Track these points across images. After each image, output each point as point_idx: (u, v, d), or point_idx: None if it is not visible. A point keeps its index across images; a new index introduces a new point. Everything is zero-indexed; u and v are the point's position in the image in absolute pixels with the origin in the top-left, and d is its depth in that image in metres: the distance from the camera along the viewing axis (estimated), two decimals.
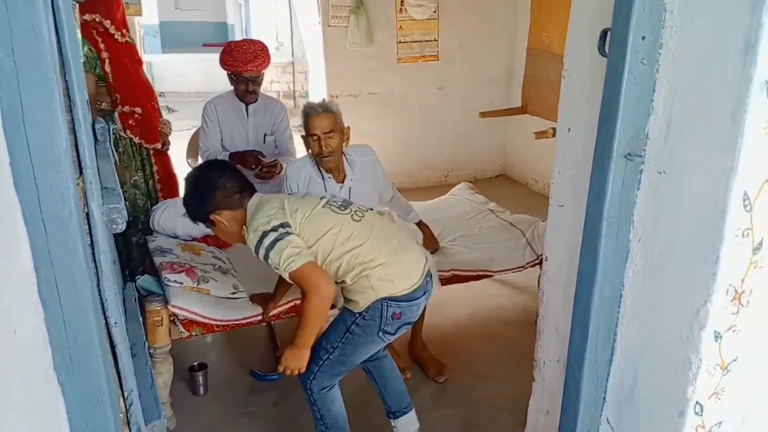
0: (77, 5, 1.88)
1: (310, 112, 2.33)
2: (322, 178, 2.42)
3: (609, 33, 1.26)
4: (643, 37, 1.18)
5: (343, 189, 2.44)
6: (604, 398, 1.43)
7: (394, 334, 1.86)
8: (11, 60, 0.79)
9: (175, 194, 2.97)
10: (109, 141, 1.73)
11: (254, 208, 1.83)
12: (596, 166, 1.31)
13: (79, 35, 1.50)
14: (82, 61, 1.25)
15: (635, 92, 1.21)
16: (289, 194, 1.96)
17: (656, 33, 1.18)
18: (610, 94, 1.25)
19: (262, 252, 1.74)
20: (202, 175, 1.91)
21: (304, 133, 2.39)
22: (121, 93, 2.66)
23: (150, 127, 2.80)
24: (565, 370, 1.48)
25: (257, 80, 2.99)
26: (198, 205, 1.86)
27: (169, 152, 2.99)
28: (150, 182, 2.89)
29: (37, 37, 0.80)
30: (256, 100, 3.09)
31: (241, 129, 3.10)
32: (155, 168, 2.88)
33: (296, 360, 1.81)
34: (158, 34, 12.89)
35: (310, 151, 2.39)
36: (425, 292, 1.88)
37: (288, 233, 1.73)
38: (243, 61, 2.90)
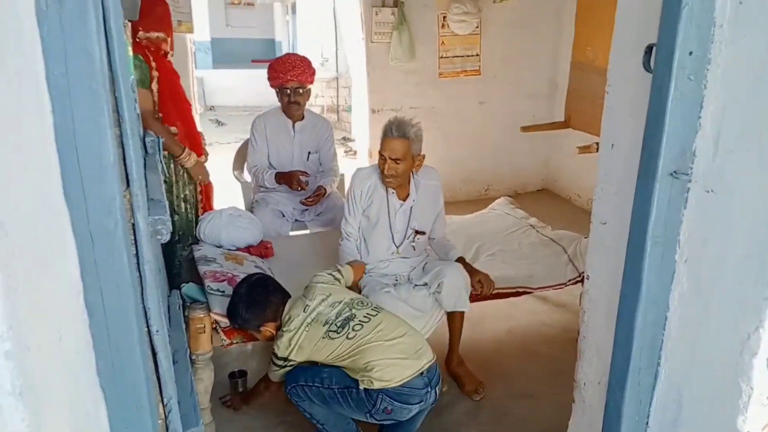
0: (129, 24, 1.96)
1: (387, 132, 2.34)
2: (386, 191, 2.45)
3: (654, 48, 1.23)
4: (691, 53, 1.15)
5: (404, 206, 2.47)
6: (647, 423, 1.38)
7: (378, 422, 2.01)
8: (65, 78, 0.83)
9: (212, 203, 3.03)
10: (159, 154, 1.79)
11: (284, 320, 2.11)
12: (640, 183, 1.27)
13: (131, 52, 1.56)
14: (132, 77, 1.31)
15: (682, 109, 1.18)
16: (310, 311, 2.08)
17: (704, 48, 1.15)
18: (656, 111, 1.22)
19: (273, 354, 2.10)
20: (256, 293, 2.12)
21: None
22: (164, 111, 2.69)
23: (195, 139, 2.87)
24: (606, 393, 1.44)
25: (299, 91, 3.04)
26: (252, 319, 2.10)
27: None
28: (196, 195, 2.96)
29: (89, 56, 0.84)
30: (303, 117, 3.15)
31: (287, 145, 3.17)
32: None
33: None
34: (210, 50, 13.37)
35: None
36: (421, 401, 1.96)
37: (284, 366, 2.07)
38: (283, 71, 2.98)
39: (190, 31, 4.26)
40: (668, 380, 1.32)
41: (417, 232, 2.53)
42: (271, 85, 3.10)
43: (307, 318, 2.05)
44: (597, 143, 3.70)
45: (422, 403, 1.97)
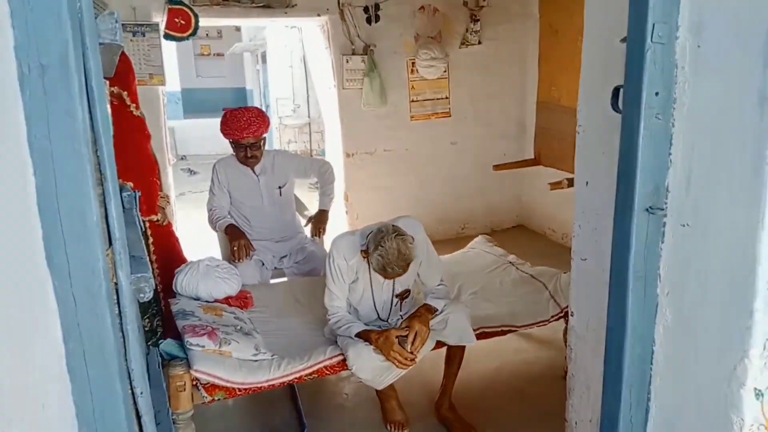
0: (107, 81, 1.96)
1: (388, 270, 2.14)
2: (369, 268, 2.29)
3: (621, 90, 1.29)
4: (657, 93, 1.20)
5: (387, 281, 2.33)
6: None
7: None
8: (47, 140, 0.83)
9: (174, 266, 2.81)
10: (136, 209, 1.76)
11: None
12: (618, 219, 1.31)
13: (110, 110, 1.56)
14: (111, 134, 1.30)
15: (652, 146, 1.22)
16: None
17: (669, 88, 1.20)
18: (627, 149, 1.26)
19: None
20: None
21: (366, 250, 2.22)
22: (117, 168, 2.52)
23: (147, 199, 2.72)
24: (598, 431, 1.43)
25: (255, 145, 3.03)
26: None
27: (173, 223, 2.88)
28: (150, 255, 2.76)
29: (72, 118, 0.84)
30: (260, 160, 3.14)
31: (254, 191, 3.16)
32: (151, 240, 2.79)
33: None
34: (180, 100, 13.42)
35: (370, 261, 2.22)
36: None
37: None
38: (238, 129, 2.95)
39: (162, 83, 4.28)
40: (660, 415, 1.32)
41: (401, 298, 2.44)
42: (225, 137, 3.07)
43: None
44: (567, 179, 3.78)
45: None
